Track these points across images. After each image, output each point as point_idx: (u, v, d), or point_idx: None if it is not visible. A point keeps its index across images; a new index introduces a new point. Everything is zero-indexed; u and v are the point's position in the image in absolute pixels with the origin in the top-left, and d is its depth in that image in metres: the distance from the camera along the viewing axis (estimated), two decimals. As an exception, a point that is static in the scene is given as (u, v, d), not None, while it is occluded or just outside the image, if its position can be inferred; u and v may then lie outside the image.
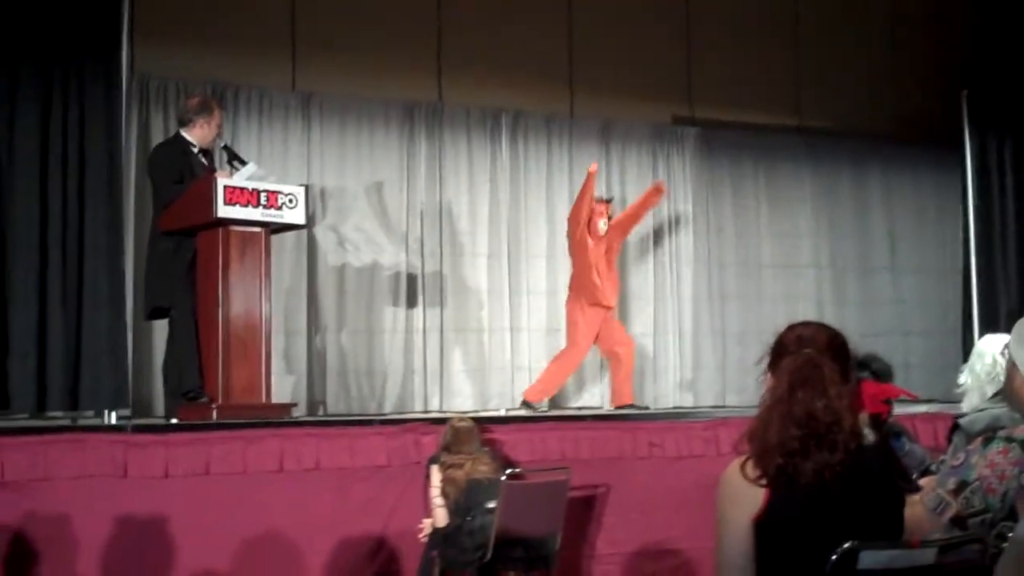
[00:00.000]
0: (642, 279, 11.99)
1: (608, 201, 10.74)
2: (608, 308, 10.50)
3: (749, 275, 12.60)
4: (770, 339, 3.57)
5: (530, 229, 11.65)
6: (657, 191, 11.01)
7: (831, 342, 3.47)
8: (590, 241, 10.39)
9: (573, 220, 10.47)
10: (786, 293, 12.66)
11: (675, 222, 12.30)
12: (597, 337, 10.52)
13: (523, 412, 10.17)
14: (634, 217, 10.96)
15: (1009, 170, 12.06)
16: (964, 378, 5.74)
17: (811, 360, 3.39)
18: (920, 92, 13.08)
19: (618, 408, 10.34)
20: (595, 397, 11.63)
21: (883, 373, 5.35)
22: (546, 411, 10.30)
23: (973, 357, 5.81)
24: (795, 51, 12.94)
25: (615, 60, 12.05)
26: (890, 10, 13.39)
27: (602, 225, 10.50)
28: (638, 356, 11.42)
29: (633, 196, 11.99)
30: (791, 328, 3.54)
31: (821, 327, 3.54)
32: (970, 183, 11.88)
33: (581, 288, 10.43)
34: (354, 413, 10.58)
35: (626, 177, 12.16)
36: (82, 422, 8.37)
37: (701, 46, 12.50)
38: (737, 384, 12.01)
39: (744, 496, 3.35)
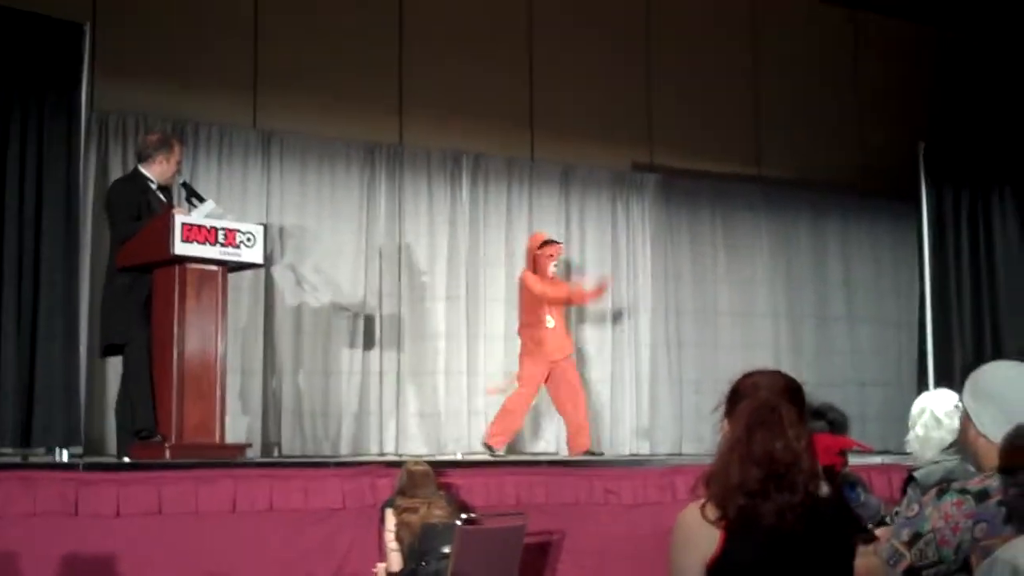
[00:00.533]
0: (599, 325, 12.03)
1: (557, 244, 10.77)
2: (557, 360, 10.51)
3: (706, 322, 12.66)
4: (726, 387, 3.61)
5: (489, 272, 11.68)
6: (598, 294, 11.17)
7: (787, 387, 3.50)
8: (539, 287, 10.41)
9: (528, 290, 10.51)
10: (743, 341, 12.73)
11: (633, 268, 12.37)
12: (548, 384, 10.55)
13: (480, 456, 10.15)
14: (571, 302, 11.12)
15: (964, 224, 12.19)
16: (912, 443, 5.86)
17: (768, 403, 3.41)
18: (880, 144, 13.21)
19: (576, 455, 10.34)
20: (551, 443, 11.63)
21: (839, 423, 5.41)
22: (503, 456, 10.28)
23: (913, 416, 5.92)
24: (755, 100, 13.07)
25: (576, 105, 12.14)
26: (852, 62, 13.55)
27: (552, 269, 10.54)
28: (595, 402, 11.48)
29: (591, 241, 12.11)
30: (747, 375, 3.55)
31: (777, 374, 3.56)
32: (926, 235, 12.00)
33: (528, 337, 10.48)
34: (309, 455, 10.54)
35: (585, 224, 12.23)
36: (33, 459, 8.31)
37: (662, 93, 12.60)
38: (693, 432, 12.03)
39: (699, 539, 3.36)
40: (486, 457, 10.09)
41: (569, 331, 10.88)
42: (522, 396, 10.50)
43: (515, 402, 10.51)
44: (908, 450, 5.87)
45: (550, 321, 10.42)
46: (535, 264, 10.50)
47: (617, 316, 12.23)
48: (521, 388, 10.51)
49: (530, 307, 10.46)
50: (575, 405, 10.53)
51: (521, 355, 10.55)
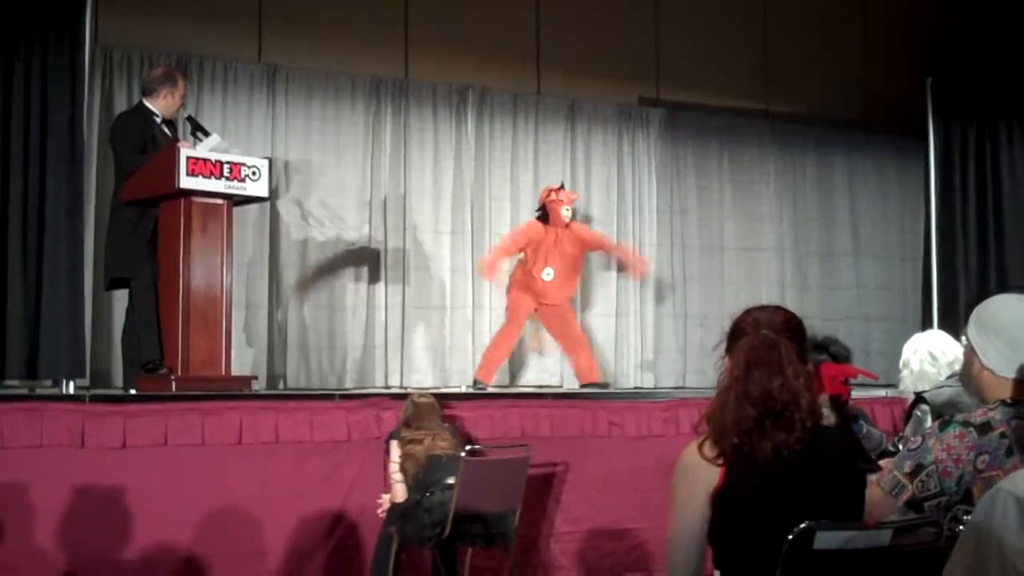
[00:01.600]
0: (604, 260, 11.99)
1: (562, 188, 10.72)
2: (552, 305, 10.51)
3: (712, 258, 12.64)
4: (730, 321, 3.59)
5: (494, 207, 11.64)
6: (634, 269, 11.46)
7: (787, 323, 3.49)
8: (541, 228, 10.39)
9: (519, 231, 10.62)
10: (748, 276, 12.72)
11: (638, 203, 12.31)
12: (547, 327, 10.62)
13: (488, 390, 10.21)
14: (600, 249, 11.15)
15: (972, 159, 12.11)
16: (905, 380, 5.92)
17: (767, 340, 3.41)
18: (887, 79, 13.12)
19: (584, 386, 10.38)
20: (555, 375, 11.65)
21: (841, 356, 5.40)
22: (485, 388, 10.34)
23: (906, 354, 5.97)
24: (763, 35, 12.96)
25: (583, 39, 12.05)
26: (858, -3, 13.45)
27: (565, 213, 10.46)
28: (599, 337, 11.52)
29: (597, 177, 12.07)
30: (747, 312, 3.56)
31: (777, 309, 3.56)
32: (933, 171, 11.93)
33: (522, 275, 10.47)
34: (314, 387, 10.59)
35: (591, 158, 12.16)
36: (39, 391, 8.33)
37: (669, 27, 12.51)
38: (698, 366, 12.05)
39: (701, 474, 3.37)
40: (490, 389, 10.13)
41: (573, 281, 10.73)
42: (505, 329, 10.57)
43: (499, 335, 10.60)
44: (900, 387, 5.89)
45: (548, 273, 10.37)
46: (547, 214, 10.42)
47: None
48: (506, 321, 10.59)
49: (531, 252, 10.42)
50: (577, 349, 10.58)
51: (509, 286, 10.61)
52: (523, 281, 10.42)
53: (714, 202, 12.73)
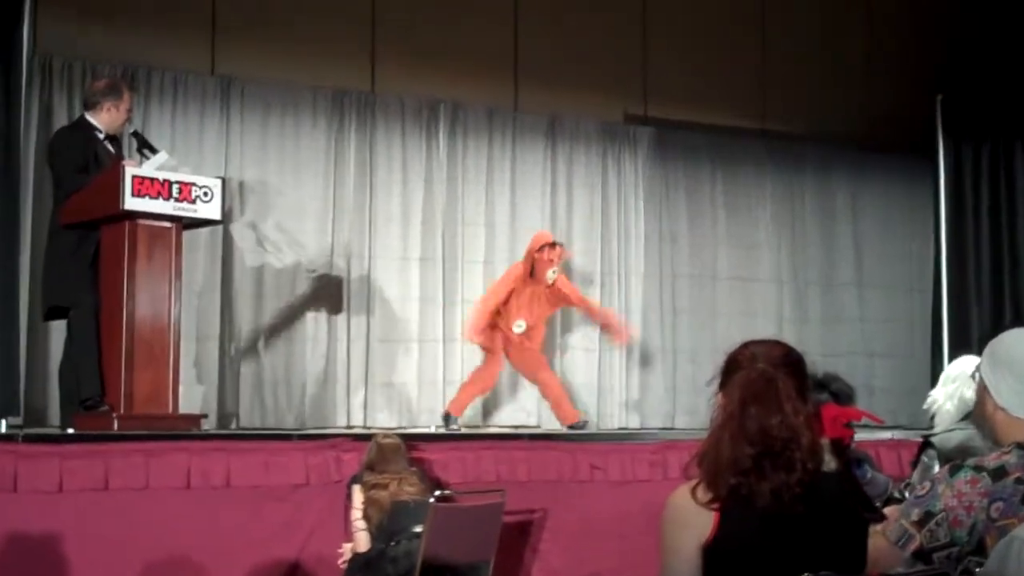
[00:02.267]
0: (588, 290, 11.96)
1: (561, 245, 10.73)
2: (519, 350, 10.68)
3: (703, 288, 12.66)
4: (723, 358, 3.60)
5: (467, 232, 11.66)
6: (617, 335, 11.43)
7: (787, 358, 3.49)
8: (522, 277, 10.50)
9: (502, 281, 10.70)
10: (743, 308, 12.74)
11: (624, 229, 12.33)
12: (512, 359, 10.75)
13: (461, 431, 10.22)
14: (581, 309, 11.26)
15: (985, 181, 12.18)
16: (934, 397, 5.79)
17: (764, 374, 3.41)
18: (893, 96, 13.16)
19: (570, 427, 10.47)
20: (532, 414, 11.65)
21: (844, 395, 5.40)
22: (455, 428, 10.41)
23: (944, 379, 5.86)
24: (761, 47, 13.01)
25: (564, 50, 12.06)
26: (864, 8, 13.48)
27: (551, 275, 10.50)
28: (581, 373, 11.54)
29: (580, 200, 12.10)
30: (745, 345, 3.56)
31: (775, 343, 3.56)
32: (943, 194, 11.99)
33: (493, 321, 10.57)
34: (270, 427, 10.55)
35: (573, 179, 12.19)
36: (-32, 431, 8.28)
37: (658, 38, 12.55)
38: (688, 405, 12.07)
39: (693, 520, 3.35)
40: (462, 430, 10.19)
41: (541, 330, 10.85)
42: (486, 364, 10.72)
43: (480, 371, 10.73)
44: (930, 408, 5.81)
45: (519, 326, 10.50)
46: (532, 267, 10.46)
47: (606, 280, 12.23)
48: (486, 357, 10.73)
49: (506, 299, 10.52)
50: (545, 378, 10.74)
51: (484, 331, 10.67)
52: (494, 322, 10.54)
53: (706, 228, 12.75)
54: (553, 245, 10.54)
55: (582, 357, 11.93)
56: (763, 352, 3.50)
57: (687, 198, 12.71)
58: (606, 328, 11.47)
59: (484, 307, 10.60)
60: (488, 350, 10.66)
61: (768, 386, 3.39)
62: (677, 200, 12.66)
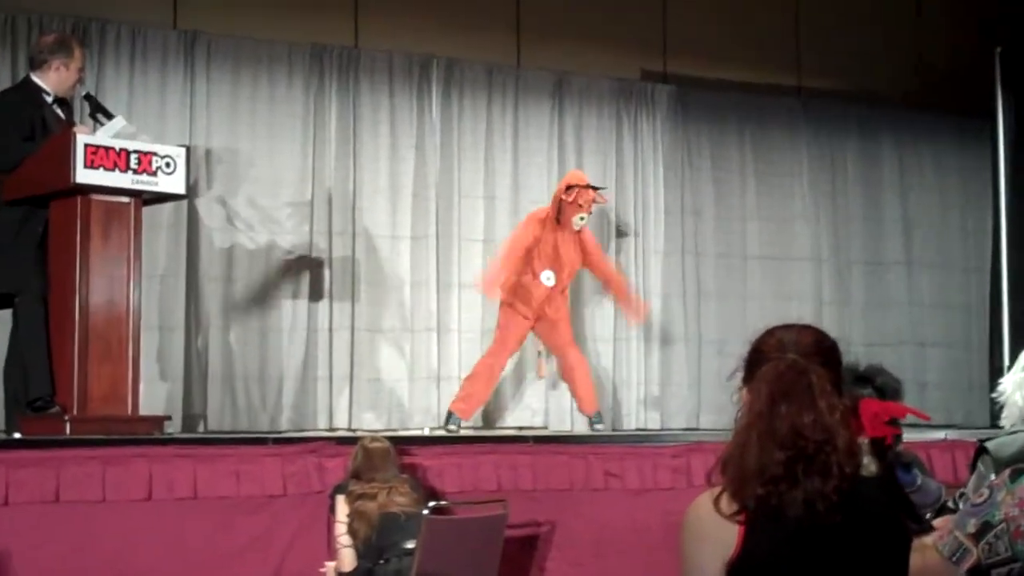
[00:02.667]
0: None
1: (596, 189, 10.72)
2: (551, 319, 10.68)
3: (732, 269, 12.72)
4: (750, 346, 3.58)
5: (464, 206, 11.70)
6: (633, 312, 11.46)
7: (818, 345, 3.46)
8: (544, 225, 10.51)
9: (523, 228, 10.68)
10: (777, 291, 12.79)
11: (642, 202, 12.35)
12: (540, 333, 10.75)
13: (459, 432, 10.25)
14: (597, 273, 11.22)
15: (1051, 144, 12.16)
16: (1003, 387, 5.75)
17: (795, 366, 3.37)
18: (946, 48, 13.16)
19: (585, 417, 10.63)
20: (538, 414, 11.70)
21: (889, 390, 5.40)
22: (461, 430, 10.44)
23: (1017, 367, 5.83)
24: (794, -6, 13.05)
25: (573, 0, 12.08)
26: (911, -51, 13.50)
27: (578, 222, 10.56)
28: (595, 367, 11.56)
29: (590, 168, 11.99)
30: (770, 332, 3.50)
31: (805, 329, 3.52)
32: (1002, 159, 11.97)
33: (514, 284, 10.55)
34: (242, 430, 10.59)
35: (583, 145, 12.22)
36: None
37: (679, -15, 12.58)
38: (714, 401, 12.11)
39: (716, 534, 3.35)
40: (451, 432, 10.24)
41: (566, 296, 10.93)
42: (492, 354, 10.67)
43: (485, 362, 10.67)
44: (998, 399, 5.78)
45: (549, 276, 10.50)
46: (558, 210, 10.50)
47: (621, 259, 12.24)
48: (494, 345, 10.69)
49: (527, 253, 10.50)
50: (574, 354, 10.78)
51: (501, 304, 10.65)
52: (515, 290, 10.52)
53: (735, 200, 12.81)
54: (587, 187, 10.57)
55: (593, 347, 11.95)
56: (792, 339, 3.45)
57: (712, 166, 12.75)
58: (622, 303, 11.46)
59: (505, 255, 10.62)
60: (503, 326, 10.62)
61: (799, 379, 3.34)
62: (701, 168, 12.70)
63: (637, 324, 11.86)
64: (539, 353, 10.97)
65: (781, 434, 3.30)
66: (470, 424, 10.89)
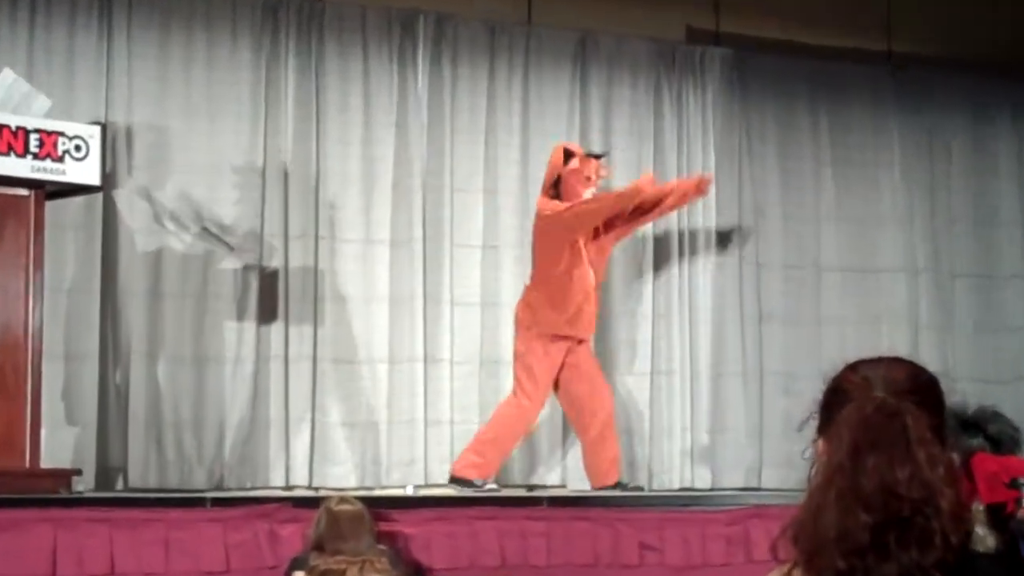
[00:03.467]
0: (633, 286, 12.06)
1: (600, 157, 10.79)
2: (579, 341, 10.65)
3: (803, 284, 12.75)
4: (826, 384, 3.56)
5: (459, 203, 11.76)
6: (698, 188, 11.28)
7: (914, 382, 3.42)
8: (558, 207, 10.49)
9: (558, 220, 10.51)
10: (861, 313, 12.82)
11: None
12: (557, 382, 10.65)
13: (449, 491, 10.21)
14: (651, 213, 11.12)
15: None
16: None
17: (884, 408, 3.32)
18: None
19: (598, 489, 10.45)
20: (555, 470, 11.71)
21: (1006, 440, 5.40)
22: (493, 489, 10.37)
23: None
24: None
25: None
26: None
27: (588, 196, 10.58)
28: (626, 409, 11.49)
29: (621, 152, 12.07)
30: (852, 367, 3.46)
31: (897, 362, 3.46)
32: None
33: (540, 307, 10.54)
34: (172, 488, 10.62)
35: (611, 124, 12.26)
36: None
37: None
38: (780, 454, 12.11)
39: (783, 626, 3.37)
40: (454, 492, 10.17)
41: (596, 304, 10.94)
42: (520, 397, 10.59)
43: (509, 409, 10.62)
44: None
45: (580, 288, 10.53)
46: (563, 189, 10.54)
47: (660, 272, 12.27)
48: (520, 385, 10.59)
49: (550, 256, 10.51)
50: (595, 406, 10.66)
51: (519, 331, 10.65)
52: (534, 320, 10.53)
53: (807, 196, 12.85)
54: (586, 155, 10.66)
55: (628, 383, 11.98)
56: (880, 376, 3.41)
57: (778, 152, 12.81)
58: (681, 197, 11.31)
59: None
60: (526, 371, 10.56)
61: (890, 424, 3.30)
62: (764, 155, 12.75)
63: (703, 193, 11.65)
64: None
65: (868, 493, 3.25)
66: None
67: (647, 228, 12.05)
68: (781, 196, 12.79)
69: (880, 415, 3.31)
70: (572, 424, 10.97)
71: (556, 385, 10.68)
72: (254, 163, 11.23)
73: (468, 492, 10.14)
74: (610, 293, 11.76)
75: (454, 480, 10.42)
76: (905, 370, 3.44)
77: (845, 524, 3.25)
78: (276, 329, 11.18)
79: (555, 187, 10.55)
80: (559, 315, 10.49)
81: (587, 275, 10.55)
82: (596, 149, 11.08)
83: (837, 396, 3.41)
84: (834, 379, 3.45)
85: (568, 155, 10.56)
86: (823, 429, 3.42)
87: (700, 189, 11.26)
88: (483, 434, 10.67)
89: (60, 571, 7.54)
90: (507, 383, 10.91)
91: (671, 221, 12.26)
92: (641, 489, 10.97)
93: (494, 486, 10.42)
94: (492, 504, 9.04)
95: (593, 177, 10.56)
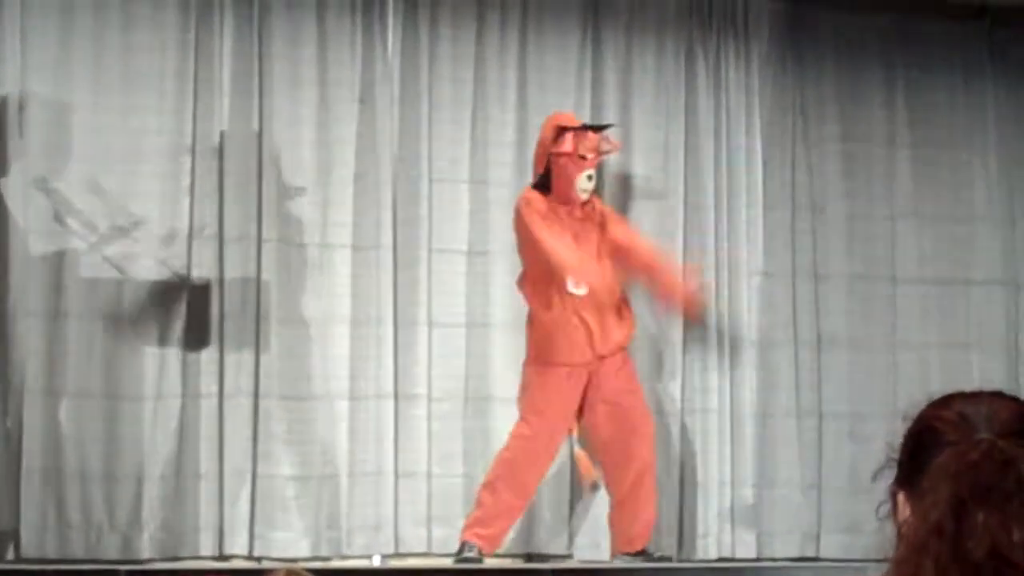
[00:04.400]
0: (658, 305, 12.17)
1: (600, 130, 11.01)
2: (598, 358, 10.83)
3: (874, 299, 12.93)
4: (905, 426, 3.51)
5: (439, 196, 11.98)
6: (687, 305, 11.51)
7: None
8: (536, 225, 10.71)
9: (519, 221, 10.84)
10: (947, 335, 13.02)
11: (728, 191, 12.63)
12: (580, 412, 10.88)
13: (425, 562, 10.42)
14: (627, 261, 11.24)
15: None
16: None
17: (992, 453, 3.33)
18: None
19: (620, 556, 10.71)
20: (559, 536, 11.86)
21: None
22: (475, 559, 10.60)
23: None
24: None
25: None
26: None
27: (584, 184, 10.78)
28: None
29: (644, 130, 12.39)
30: (944, 403, 3.49)
31: (1000, 397, 3.49)
32: None
33: (534, 328, 10.87)
34: (76, 558, 10.83)
35: (630, 97, 12.48)
36: None
37: None
38: (844, 514, 12.23)
39: None
40: (443, 562, 10.58)
41: (626, 307, 11.11)
42: (529, 440, 10.76)
43: (515, 450, 10.79)
44: None
45: (576, 284, 10.57)
46: (553, 174, 10.77)
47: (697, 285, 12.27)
48: (525, 424, 10.80)
49: (537, 269, 10.77)
50: (626, 448, 10.87)
51: (524, 370, 10.92)
52: (539, 336, 10.80)
53: (878, 189, 13.05)
54: (585, 129, 10.88)
55: (659, 430, 11.98)
56: (983, 414, 3.40)
57: (843, 133, 12.96)
58: (669, 296, 11.39)
59: (554, 244, 10.67)
60: (533, 406, 10.78)
61: (1002, 473, 3.29)
62: (824, 137, 12.92)
63: (694, 322, 11.97)
64: (571, 437, 11.15)
65: (976, 558, 3.23)
66: (447, 544, 11.14)
67: (676, 226, 12.35)
68: (845, 190, 12.96)
69: (989, 463, 3.29)
70: (602, 467, 11.13)
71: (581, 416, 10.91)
72: (180, 147, 11.46)
73: (460, 561, 10.51)
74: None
75: (464, 550, 10.66)
76: (1012, 407, 3.41)
77: (946, 600, 3.19)
78: (208, 358, 11.39)
79: (545, 170, 10.79)
80: (546, 336, 10.76)
81: (574, 286, 10.56)
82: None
83: (927, 439, 3.40)
84: (919, 417, 3.44)
85: (560, 132, 10.73)
86: (906, 481, 3.39)
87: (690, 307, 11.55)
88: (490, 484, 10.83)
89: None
90: (498, 424, 11.27)
91: (705, 220, 12.48)
92: (669, 560, 11.25)
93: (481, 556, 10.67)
94: (487, 576, 9.15)
95: (590, 156, 10.72)
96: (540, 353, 10.78)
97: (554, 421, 10.80)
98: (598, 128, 11.00)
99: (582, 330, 10.71)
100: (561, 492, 11.81)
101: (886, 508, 3.40)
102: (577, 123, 10.92)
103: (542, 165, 10.78)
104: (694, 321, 11.90)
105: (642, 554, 10.79)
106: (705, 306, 11.74)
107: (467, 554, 10.57)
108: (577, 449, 11.17)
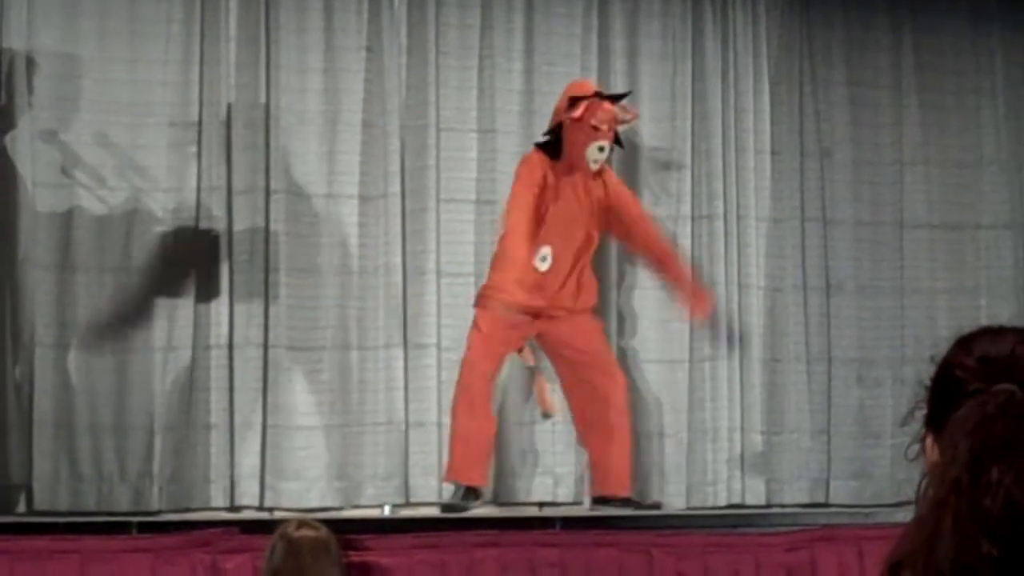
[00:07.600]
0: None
1: (617, 99, 10.82)
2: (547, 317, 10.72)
3: (881, 245, 12.75)
4: (928, 369, 3.48)
5: (447, 146, 11.79)
6: (696, 302, 11.39)
7: None
8: (545, 167, 10.57)
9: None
10: (957, 280, 12.83)
11: (736, 138, 12.43)
12: (560, 373, 10.85)
13: (431, 512, 10.22)
14: (638, 246, 11.26)
15: None
16: None
17: (1009, 406, 3.21)
18: None
19: (600, 501, 10.58)
20: (568, 482, 11.70)
21: None
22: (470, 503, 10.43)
23: None
24: None
25: None
26: None
27: (595, 155, 10.58)
28: (658, 405, 11.49)
29: (652, 86, 12.20)
30: (963, 345, 3.37)
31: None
32: None
33: (492, 275, 10.72)
34: (88, 510, 10.67)
35: (638, 46, 12.29)
36: None
37: None
38: (854, 460, 12.05)
39: None
40: (463, 508, 10.27)
41: (590, 274, 10.98)
42: (471, 368, 10.66)
43: (465, 386, 10.67)
44: None
45: (543, 258, 10.53)
46: (565, 140, 10.57)
47: (699, 228, 12.25)
48: (471, 353, 10.70)
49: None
50: (597, 396, 10.73)
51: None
52: (496, 281, 10.62)
53: (885, 134, 12.85)
54: (601, 98, 10.64)
55: (660, 375, 12.00)
56: (1006, 357, 3.30)
57: (849, 79, 12.80)
58: (678, 291, 11.44)
59: (515, 231, 10.56)
60: (478, 341, 10.66)
61: (1018, 428, 3.16)
62: (831, 82, 12.76)
63: (701, 320, 11.80)
64: (529, 367, 11.07)
65: (993, 516, 3.11)
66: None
67: (688, 173, 12.21)
68: (852, 134, 12.79)
69: (1005, 417, 3.18)
70: (575, 421, 11.05)
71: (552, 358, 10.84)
72: (188, 99, 11.28)
73: (464, 502, 10.30)
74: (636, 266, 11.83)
75: (457, 486, 10.52)
76: None
77: (964, 558, 3.12)
78: (217, 309, 11.24)
79: (557, 137, 10.59)
80: (499, 284, 10.61)
81: (542, 254, 10.56)
82: (619, 87, 11.19)
83: (948, 383, 3.31)
84: (943, 362, 3.32)
85: (575, 99, 10.54)
86: (933, 423, 3.31)
87: (700, 306, 11.44)
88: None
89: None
90: (507, 374, 11.06)
91: (714, 165, 12.30)
92: (659, 507, 11.07)
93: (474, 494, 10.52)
94: (491, 526, 9.02)
95: (604, 127, 10.51)
96: (492, 296, 10.63)
97: (484, 356, 10.70)
98: (614, 98, 10.76)
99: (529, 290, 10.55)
100: (568, 438, 11.53)
101: (915, 449, 3.29)
102: (591, 91, 10.68)
103: (554, 130, 10.63)
104: (702, 319, 11.75)
105: (627, 500, 10.63)
106: (714, 305, 11.66)
107: (467, 496, 10.40)
108: (539, 379, 11.03)
